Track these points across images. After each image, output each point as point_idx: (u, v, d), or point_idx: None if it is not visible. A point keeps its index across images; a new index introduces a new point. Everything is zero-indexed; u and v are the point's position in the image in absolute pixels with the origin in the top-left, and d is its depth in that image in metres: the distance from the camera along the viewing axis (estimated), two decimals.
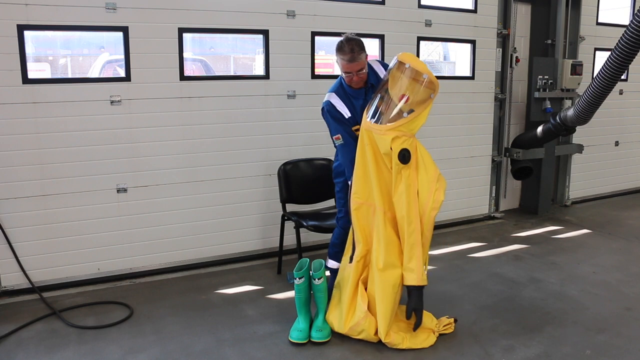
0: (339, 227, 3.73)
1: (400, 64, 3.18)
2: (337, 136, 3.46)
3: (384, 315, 3.17)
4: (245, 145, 4.48)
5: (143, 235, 4.21)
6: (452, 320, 3.38)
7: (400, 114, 3.16)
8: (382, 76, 3.48)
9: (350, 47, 3.27)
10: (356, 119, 3.46)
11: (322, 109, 3.51)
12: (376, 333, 3.20)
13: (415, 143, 3.19)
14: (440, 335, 3.28)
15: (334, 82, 3.61)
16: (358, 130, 3.43)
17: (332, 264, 3.77)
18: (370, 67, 3.52)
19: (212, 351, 3.13)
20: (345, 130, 3.44)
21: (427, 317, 3.37)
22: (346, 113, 3.44)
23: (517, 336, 3.29)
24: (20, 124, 3.73)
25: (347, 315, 3.27)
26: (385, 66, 3.53)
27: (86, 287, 4.03)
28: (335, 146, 3.56)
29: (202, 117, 4.29)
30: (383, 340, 3.17)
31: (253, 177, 4.55)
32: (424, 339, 3.23)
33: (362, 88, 3.47)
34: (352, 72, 3.33)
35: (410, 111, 3.17)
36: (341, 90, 3.48)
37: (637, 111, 7.06)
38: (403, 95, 3.15)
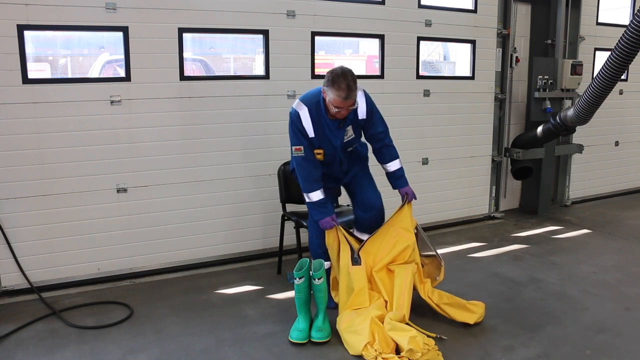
0: (316, 227, 3.56)
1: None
2: (298, 147, 3.33)
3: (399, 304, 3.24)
4: (245, 145, 4.48)
5: (143, 235, 4.21)
6: (432, 342, 3.03)
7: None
8: (360, 113, 3.37)
9: (347, 84, 3.11)
10: (320, 142, 3.35)
11: (290, 114, 3.38)
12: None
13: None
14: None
15: None
16: (319, 154, 3.36)
17: (327, 264, 3.72)
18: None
19: (212, 351, 3.12)
20: (307, 146, 3.33)
21: (406, 333, 3.00)
22: (310, 132, 3.33)
23: (517, 336, 3.29)
24: (20, 124, 3.73)
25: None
26: (368, 98, 3.40)
27: (86, 287, 4.03)
28: (292, 156, 3.43)
29: (202, 117, 4.29)
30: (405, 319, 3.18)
31: (253, 177, 4.55)
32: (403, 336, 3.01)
33: (337, 119, 3.33)
34: (343, 107, 3.21)
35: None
36: (315, 110, 3.31)
37: (637, 111, 7.06)
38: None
